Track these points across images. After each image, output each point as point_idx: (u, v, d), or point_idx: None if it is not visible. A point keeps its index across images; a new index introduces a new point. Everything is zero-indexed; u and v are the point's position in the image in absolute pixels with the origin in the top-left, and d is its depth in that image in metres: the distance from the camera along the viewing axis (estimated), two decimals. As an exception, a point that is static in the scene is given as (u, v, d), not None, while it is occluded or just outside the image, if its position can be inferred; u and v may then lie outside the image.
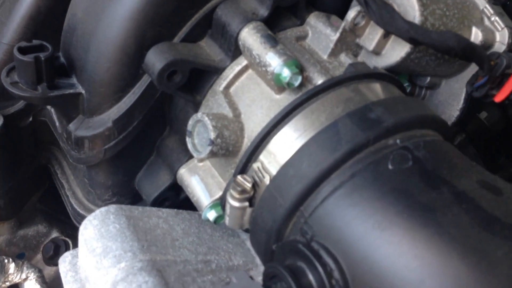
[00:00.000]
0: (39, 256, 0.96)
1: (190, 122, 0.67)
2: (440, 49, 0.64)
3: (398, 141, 0.59)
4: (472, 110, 0.99)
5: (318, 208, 0.57)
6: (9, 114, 0.80)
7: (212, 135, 0.64)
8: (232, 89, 0.69)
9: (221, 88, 0.69)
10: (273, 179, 0.61)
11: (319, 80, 0.65)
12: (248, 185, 0.62)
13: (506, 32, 0.73)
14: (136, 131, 0.73)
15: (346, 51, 0.70)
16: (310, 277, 0.55)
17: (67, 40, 0.73)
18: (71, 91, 0.71)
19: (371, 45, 0.68)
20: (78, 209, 0.84)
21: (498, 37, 0.74)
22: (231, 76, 0.69)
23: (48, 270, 0.97)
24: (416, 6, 0.66)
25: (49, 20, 0.76)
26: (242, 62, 0.69)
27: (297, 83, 0.63)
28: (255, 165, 0.64)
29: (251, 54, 0.66)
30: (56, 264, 0.85)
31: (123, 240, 0.66)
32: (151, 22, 0.67)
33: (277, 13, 0.69)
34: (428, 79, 0.79)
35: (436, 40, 0.63)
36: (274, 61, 0.63)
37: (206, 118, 0.65)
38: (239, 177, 0.63)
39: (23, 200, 0.91)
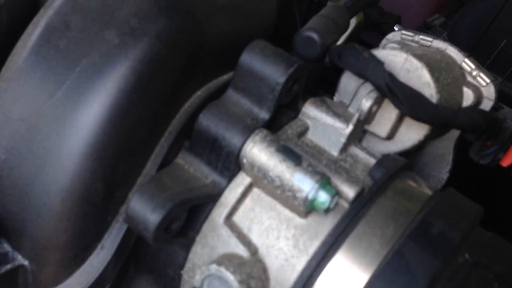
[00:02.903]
0: None
1: (198, 277, 0.50)
2: (469, 128, 0.57)
3: (466, 255, 0.50)
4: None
5: None
6: None
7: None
8: (235, 218, 0.54)
9: (221, 220, 0.53)
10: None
11: (350, 193, 0.52)
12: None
13: (491, 86, 0.68)
14: (107, 294, 0.53)
15: (354, 140, 0.59)
16: None
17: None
18: (8, 266, 0.48)
19: (384, 131, 0.58)
20: None
21: (485, 92, 0.69)
22: (233, 201, 0.53)
23: None
24: (431, 83, 0.57)
25: None
26: (243, 181, 0.53)
27: (334, 205, 0.50)
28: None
29: (266, 176, 0.51)
30: None
31: None
32: (122, 155, 0.48)
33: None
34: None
35: (465, 120, 0.55)
36: (306, 185, 0.49)
37: (227, 273, 0.48)
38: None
39: None
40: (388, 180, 0.54)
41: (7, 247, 0.49)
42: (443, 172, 0.74)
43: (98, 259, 0.50)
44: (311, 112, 0.58)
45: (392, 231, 0.50)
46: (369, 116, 0.57)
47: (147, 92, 0.47)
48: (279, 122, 0.56)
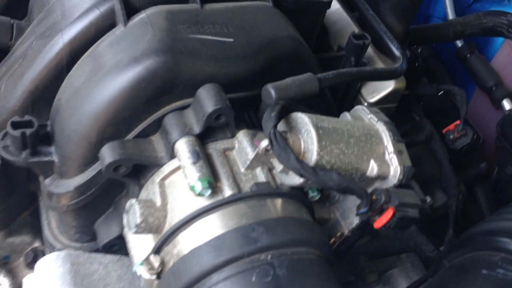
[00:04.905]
0: (21, 259, 1.19)
1: (128, 203, 0.86)
2: (323, 186, 0.81)
3: (269, 257, 0.77)
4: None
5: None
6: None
7: (138, 220, 0.83)
8: (167, 181, 0.88)
9: (158, 180, 0.88)
10: (173, 265, 0.80)
11: (227, 193, 0.83)
12: (156, 265, 0.82)
13: (398, 169, 0.89)
14: (94, 195, 0.93)
15: (263, 165, 0.87)
16: None
17: (53, 116, 0.93)
18: (47, 159, 0.91)
19: (279, 168, 0.86)
20: (49, 238, 1.05)
21: (392, 171, 0.89)
22: (167, 171, 0.87)
23: (28, 272, 1.19)
24: (315, 147, 0.83)
25: (44, 95, 0.95)
26: (177, 162, 0.87)
27: (207, 195, 0.81)
28: (167, 249, 0.83)
29: (180, 163, 0.84)
30: (34, 269, 1.07)
31: (62, 283, 0.87)
32: (111, 122, 0.86)
33: (212, 127, 0.87)
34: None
35: (320, 180, 0.80)
36: (191, 176, 0.81)
37: (136, 206, 0.84)
38: (151, 256, 0.82)
39: (13, 217, 1.12)
40: (255, 195, 0.82)
41: (52, 149, 0.92)
42: (353, 223, 0.96)
43: (90, 173, 0.90)
44: (240, 137, 0.89)
45: (233, 224, 0.79)
46: (270, 153, 0.85)
47: (132, 95, 0.84)
48: (216, 136, 0.88)
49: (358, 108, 0.97)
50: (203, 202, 0.83)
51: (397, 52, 1.13)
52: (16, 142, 0.89)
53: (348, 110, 1.23)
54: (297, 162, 0.79)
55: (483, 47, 1.57)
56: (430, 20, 1.74)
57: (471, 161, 1.43)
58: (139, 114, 0.87)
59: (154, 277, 0.82)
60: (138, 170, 0.89)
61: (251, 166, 0.87)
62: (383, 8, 1.28)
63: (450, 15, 1.58)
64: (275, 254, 0.77)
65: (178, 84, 0.87)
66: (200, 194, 0.81)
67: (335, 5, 1.31)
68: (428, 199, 1.26)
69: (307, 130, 0.84)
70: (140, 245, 0.91)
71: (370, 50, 1.22)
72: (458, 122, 1.34)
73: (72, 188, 0.91)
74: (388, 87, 1.20)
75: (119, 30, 0.89)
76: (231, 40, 0.91)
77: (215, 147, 0.88)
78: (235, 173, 0.86)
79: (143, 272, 0.82)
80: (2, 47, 1.04)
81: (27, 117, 0.90)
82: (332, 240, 0.97)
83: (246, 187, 0.85)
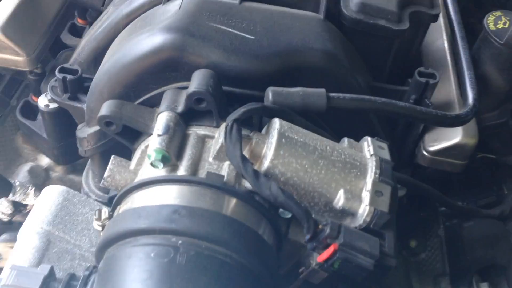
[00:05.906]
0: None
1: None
2: (261, 194, 0.77)
3: (179, 241, 0.76)
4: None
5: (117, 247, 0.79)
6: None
7: (106, 174, 0.90)
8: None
9: (143, 146, 0.93)
10: (110, 221, 0.85)
11: (181, 172, 0.84)
12: (106, 216, 0.87)
13: (367, 209, 0.78)
14: (109, 145, 1.02)
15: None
16: None
17: (97, 73, 1.06)
18: (79, 105, 1.04)
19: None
20: (83, 181, 1.19)
21: (361, 210, 0.79)
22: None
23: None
24: (270, 153, 0.79)
25: (104, 54, 1.09)
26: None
27: (160, 167, 0.84)
28: (118, 207, 0.88)
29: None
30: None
31: (46, 210, 0.98)
32: (119, 84, 0.95)
33: (200, 111, 0.89)
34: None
35: (257, 185, 0.76)
36: (151, 145, 0.84)
37: (110, 161, 0.90)
38: (102, 209, 0.88)
39: (73, 156, 1.27)
40: (199, 183, 0.81)
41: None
42: None
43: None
44: (221, 128, 0.88)
45: (167, 200, 0.80)
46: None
47: (140, 64, 0.92)
48: (202, 120, 0.89)
49: (365, 138, 0.89)
50: (157, 173, 0.85)
51: (468, 98, 0.99)
52: (60, 84, 1.04)
53: (408, 153, 1.13)
54: (240, 160, 0.77)
55: None
56: None
57: None
58: (146, 83, 0.94)
59: (100, 228, 0.88)
60: (136, 134, 0.95)
61: (218, 157, 0.86)
62: (483, 55, 1.14)
63: None
64: (187, 241, 0.76)
65: (184, 64, 0.91)
66: (152, 165, 0.84)
67: (442, 42, 1.20)
68: (486, 286, 1.08)
69: (272, 135, 0.80)
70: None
71: (454, 95, 1.10)
72: None
73: (86, 135, 1.02)
74: (452, 139, 1.06)
75: (158, 7, 0.98)
76: (251, 37, 0.92)
77: (195, 131, 0.89)
78: (201, 159, 0.87)
79: (94, 223, 0.88)
80: (95, 10, 1.22)
81: (75, 66, 1.05)
82: (301, 269, 0.90)
83: (204, 174, 0.85)
